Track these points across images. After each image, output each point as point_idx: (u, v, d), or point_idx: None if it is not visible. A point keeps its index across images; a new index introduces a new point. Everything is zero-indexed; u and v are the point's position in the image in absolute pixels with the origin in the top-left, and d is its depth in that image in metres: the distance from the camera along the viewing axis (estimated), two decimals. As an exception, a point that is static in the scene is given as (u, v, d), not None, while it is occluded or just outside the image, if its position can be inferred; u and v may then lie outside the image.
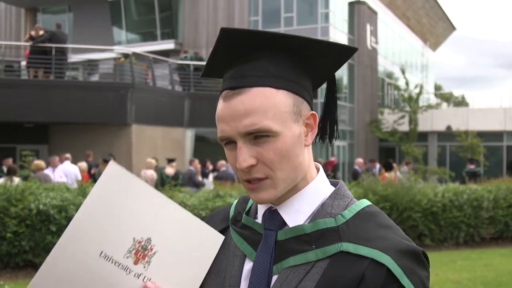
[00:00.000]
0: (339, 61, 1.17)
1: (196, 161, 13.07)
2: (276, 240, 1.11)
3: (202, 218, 1.24)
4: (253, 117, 1.04)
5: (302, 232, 1.09)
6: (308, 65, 1.13)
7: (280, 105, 1.06)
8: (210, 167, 14.84)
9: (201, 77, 1.26)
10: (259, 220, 1.17)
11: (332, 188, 1.16)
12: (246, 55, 1.09)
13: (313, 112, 1.14)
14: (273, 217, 1.13)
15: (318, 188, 1.14)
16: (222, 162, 13.75)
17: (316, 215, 1.10)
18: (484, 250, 10.28)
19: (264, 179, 1.07)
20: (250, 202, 1.25)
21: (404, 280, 0.99)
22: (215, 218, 1.30)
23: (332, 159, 19.84)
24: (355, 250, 1.03)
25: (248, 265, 1.14)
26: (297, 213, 1.11)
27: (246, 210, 1.23)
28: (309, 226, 1.09)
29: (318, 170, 1.17)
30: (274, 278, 1.08)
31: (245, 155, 1.05)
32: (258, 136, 1.05)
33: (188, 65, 18.81)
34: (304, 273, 1.05)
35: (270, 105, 1.05)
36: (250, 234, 1.16)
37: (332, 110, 1.22)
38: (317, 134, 1.18)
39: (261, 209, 1.17)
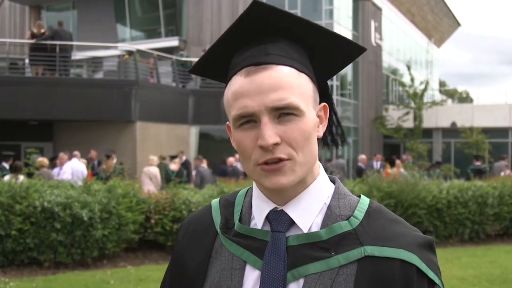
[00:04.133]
0: (346, 60, 1.16)
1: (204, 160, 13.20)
2: (287, 245, 1.06)
3: (180, 228, 1.20)
4: (281, 92, 1.01)
5: (318, 239, 1.05)
6: (320, 58, 1.12)
7: (304, 86, 1.05)
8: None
9: (189, 72, 1.21)
10: (258, 226, 1.10)
11: (332, 185, 1.13)
12: (269, 35, 1.07)
13: (326, 104, 1.12)
14: (280, 218, 1.07)
15: (322, 185, 1.11)
16: (231, 159, 13.75)
17: (326, 219, 1.07)
18: (490, 247, 10.25)
19: (286, 160, 1.01)
20: (239, 207, 1.16)
21: (430, 273, 1.04)
22: (198, 230, 1.18)
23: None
24: (381, 253, 1.03)
25: (250, 277, 1.07)
26: (305, 211, 1.07)
27: (239, 217, 1.14)
28: (324, 232, 1.05)
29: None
30: (291, 285, 1.03)
31: (271, 131, 1.00)
32: (283, 114, 1.01)
33: (190, 62, 18.78)
34: (331, 282, 1.02)
35: (297, 84, 1.04)
36: (250, 242, 1.09)
37: (333, 116, 1.20)
38: (323, 140, 1.18)
39: (261, 213, 1.10)
